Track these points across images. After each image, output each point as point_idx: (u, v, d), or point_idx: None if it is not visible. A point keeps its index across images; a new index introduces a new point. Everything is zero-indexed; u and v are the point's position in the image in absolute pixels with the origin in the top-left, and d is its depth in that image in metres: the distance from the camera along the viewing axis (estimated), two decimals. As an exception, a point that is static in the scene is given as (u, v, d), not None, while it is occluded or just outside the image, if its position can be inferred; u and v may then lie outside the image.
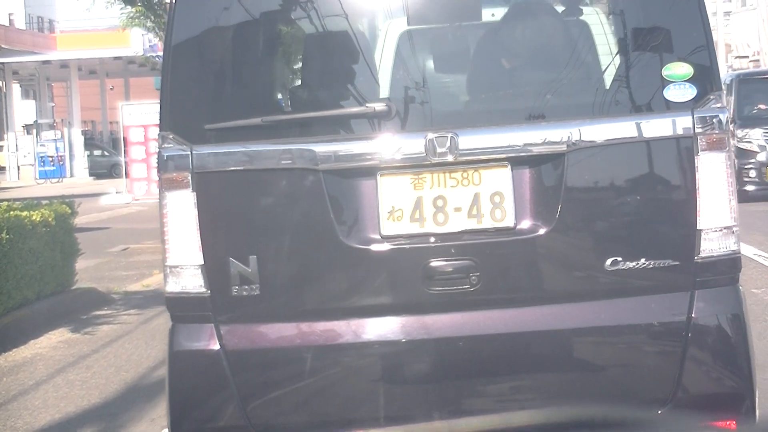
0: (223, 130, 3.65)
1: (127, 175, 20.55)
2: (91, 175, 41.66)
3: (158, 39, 19.76)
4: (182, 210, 3.64)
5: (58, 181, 39.57)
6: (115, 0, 16.34)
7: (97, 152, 44.45)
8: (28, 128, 45.25)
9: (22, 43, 39.21)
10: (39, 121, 44.16)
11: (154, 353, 7.24)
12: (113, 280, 10.98)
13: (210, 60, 3.77)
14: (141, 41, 32.64)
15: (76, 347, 7.82)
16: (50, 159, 40.89)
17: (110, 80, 50.33)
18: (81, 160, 42.51)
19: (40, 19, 68.84)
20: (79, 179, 40.72)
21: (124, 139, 20.02)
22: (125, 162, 20.30)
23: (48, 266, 8.95)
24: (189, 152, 3.63)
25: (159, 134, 3.72)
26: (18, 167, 42.56)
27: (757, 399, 3.68)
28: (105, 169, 41.58)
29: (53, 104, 54.38)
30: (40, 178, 40.37)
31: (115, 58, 40.91)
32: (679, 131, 3.57)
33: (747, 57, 41.60)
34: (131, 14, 16.58)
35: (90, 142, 45.77)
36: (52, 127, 43.76)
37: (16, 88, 52.52)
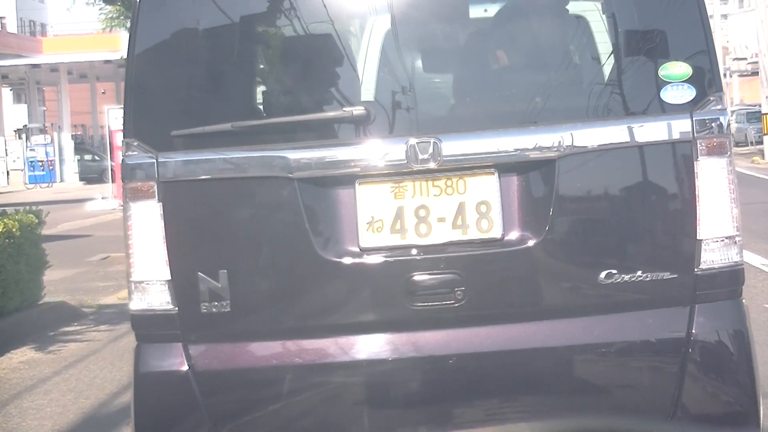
0: (191, 137, 3.47)
1: (113, 180, 20.22)
2: (81, 179, 41.47)
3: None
4: (148, 222, 3.45)
5: (48, 186, 39.43)
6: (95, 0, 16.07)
7: (87, 157, 44.22)
8: (19, 133, 45.11)
9: (8, 47, 39.00)
10: (29, 126, 43.99)
11: (119, 376, 6.84)
12: (88, 292, 10.67)
13: (176, 62, 3.57)
14: (130, 44, 32.37)
15: (38, 369, 7.45)
16: (40, 163, 40.75)
17: (101, 84, 50.17)
18: (71, 164, 42.35)
19: (32, 23, 68.86)
20: (69, 184, 40.54)
21: (111, 143, 19.75)
22: (112, 166, 20.02)
23: (12, 280, 8.48)
24: (154, 160, 3.45)
25: (123, 141, 3.53)
26: (7, 172, 42.41)
27: (762, 419, 3.48)
28: (96, 174, 41.32)
29: (45, 108, 54.31)
30: (29, 183, 40.22)
31: (105, 61, 40.68)
32: (677, 135, 3.39)
33: (745, 59, 41.58)
34: (110, 14, 16.33)
35: (80, 147, 45.61)
36: (42, 131, 43.58)
37: (7, 93, 52.40)
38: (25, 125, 44.72)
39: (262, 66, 3.72)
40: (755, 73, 36.70)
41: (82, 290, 10.78)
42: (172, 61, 3.56)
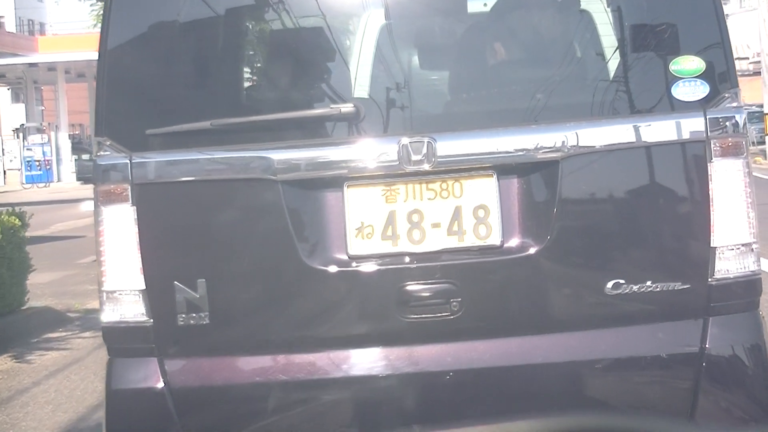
0: (168, 136, 3.26)
1: (108, 180, 20.03)
2: (78, 179, 41.25)
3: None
4: (121, 227, 3.25)
5: (45, 186, 39.36)
6: None
7: (85, 156, 44.01)
8: (17, 132, 45.05)
9: (4, 45, 38.88)
10: (26, 125, 43.91)
11: (100, 387, 6.30)
12: (76, 296, 10.38)
13: (152, 56, 3.37)
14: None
15: (16, 379, 7.15)
16: (37, 163, 40.68)
17: (99, 83, 49.95)
18: (68, 164, 42.23)
19: (31, 21, 68.90)
20: (66, 183, 40.42)
21: (105, 143, 19.55)
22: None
23: None
24: (128, 161, 3.24)
25: (94, 140, 3.32)
26: (4, 171, 42.34)
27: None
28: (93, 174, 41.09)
29: (43, 108, 54.26)
30: (26, 183, 40.17)
31: (103, 60, 40.40)
32: (689, 135, 3.20)
33: (747, 58, 41.60)
34: (101, 11, 16.19)
35: (78, 146, 45.44)
36: (40, 130, 43.49)
37: (5, 92, 52.34)
38: (22, 124, 44.62)
39: (243, 61, 3.50)
40: (757, 73, 36.61)
41: (70, 294, 10.54)
42: (147, 55, 3.37)
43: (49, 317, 9.06)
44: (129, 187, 3.23)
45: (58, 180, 41.50)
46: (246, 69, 3.51)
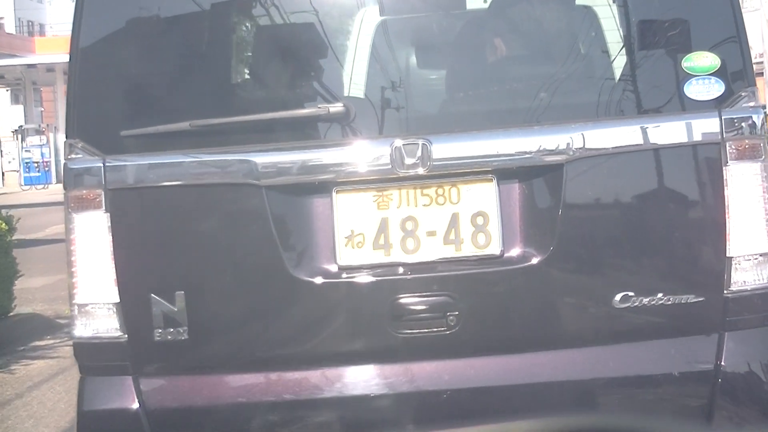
0: (144, 138, 3.11)
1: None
2: (77, 180, 41.37)
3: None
4: (93, 235, 3.09)
5: (43, 188, 39.42)
6: None
7: (84, 158, 44.12)
8: (15, 133, 45.20)
9: (1, 47, 38.93)
10: (24, 126, 44.01)
11: None
12: (67, 301, 10.28)
13: (127, 53, 3.22)
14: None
15: None
16: (36, 165, 40.75)
17: (99, 85, 50.08)
18: (67, 165, 42.31)
19: (30, 23, 69.12)
20: (65, 185, 40.46)
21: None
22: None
23: None
24: (101, 164, 3.09)
25: (65, 143, 3.16)
26: (3, 173, 42.43)
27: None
28: (92, 175, 41.18)
29: (42, 109, 54.42)
30: (25, 185, 40.23)
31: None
32: (703, 136, 3.06)
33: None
34: None
35: (77, 148, 45.57)
36: (39, 131, 43.57)
37: (5, 94, 52.50)
38: (21, 126, 44.73)
39: (224, 58, 3.34)
40: (759, 74, 36.69)
41: (62, 299, 10.32)
42: (121, 53, 3.22)
43: (37, 324, 8.93)
44: (102, 193, 3.08)
45: (57, 182, 41.53)
46: (227, 67, 3.34)
